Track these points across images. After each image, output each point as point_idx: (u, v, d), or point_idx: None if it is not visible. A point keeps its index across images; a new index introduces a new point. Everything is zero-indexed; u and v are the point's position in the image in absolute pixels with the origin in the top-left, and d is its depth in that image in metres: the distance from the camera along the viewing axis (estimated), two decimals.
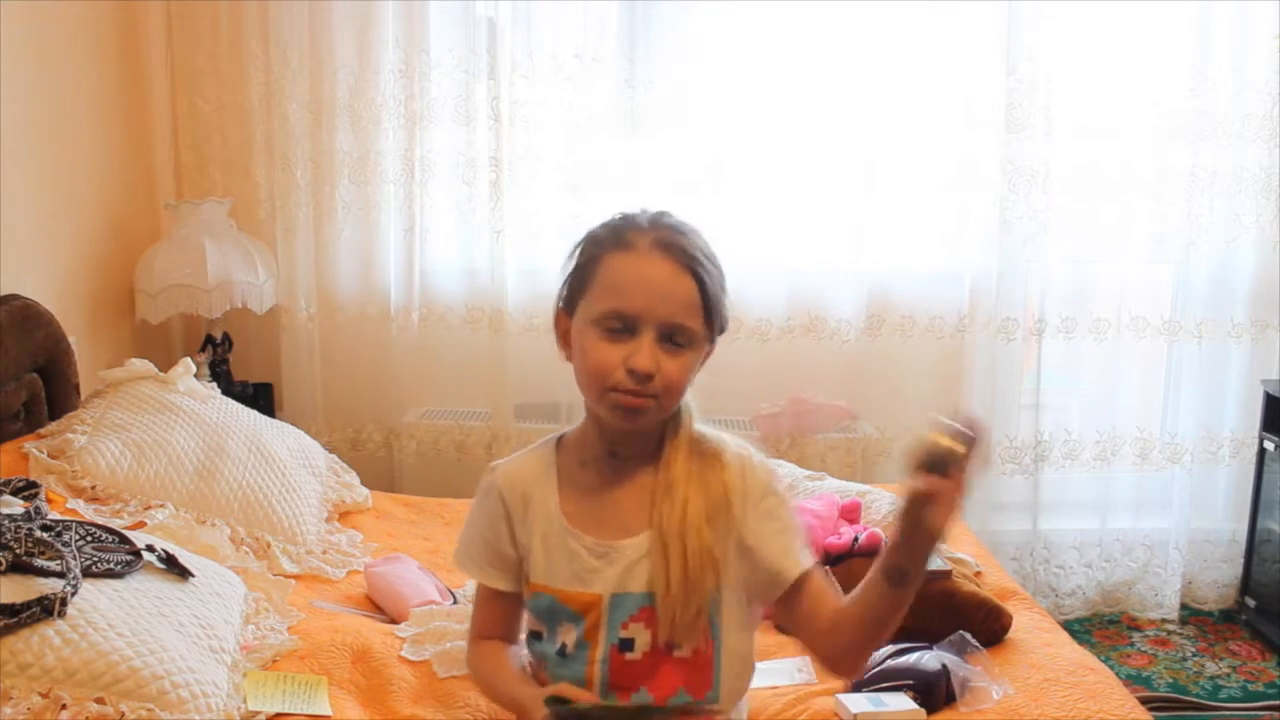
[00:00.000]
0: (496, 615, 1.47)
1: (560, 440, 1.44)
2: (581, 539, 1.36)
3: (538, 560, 1.39)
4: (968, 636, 1.96)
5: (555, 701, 1.28)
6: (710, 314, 1.32)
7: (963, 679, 1.84)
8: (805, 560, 1.37)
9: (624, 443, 1.38)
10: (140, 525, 2.21)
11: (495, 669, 1.45)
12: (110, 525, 2.05)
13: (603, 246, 1.34)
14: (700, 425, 1.40)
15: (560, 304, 1.39)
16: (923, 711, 1.79)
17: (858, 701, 1.79)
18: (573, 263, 1.37)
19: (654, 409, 1.31)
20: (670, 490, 1.34)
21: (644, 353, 1.28)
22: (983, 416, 1.33)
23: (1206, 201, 3.27)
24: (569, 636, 1.36)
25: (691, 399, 1.39)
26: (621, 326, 1.29)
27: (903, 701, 1.80)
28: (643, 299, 1.29)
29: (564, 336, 1.39)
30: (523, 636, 1.47)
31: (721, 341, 1.40)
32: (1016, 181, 3.23)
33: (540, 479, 1.41)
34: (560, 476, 1.40)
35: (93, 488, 2.30)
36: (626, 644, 1.34)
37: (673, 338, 1.30)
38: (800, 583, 1.35)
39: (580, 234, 1.41)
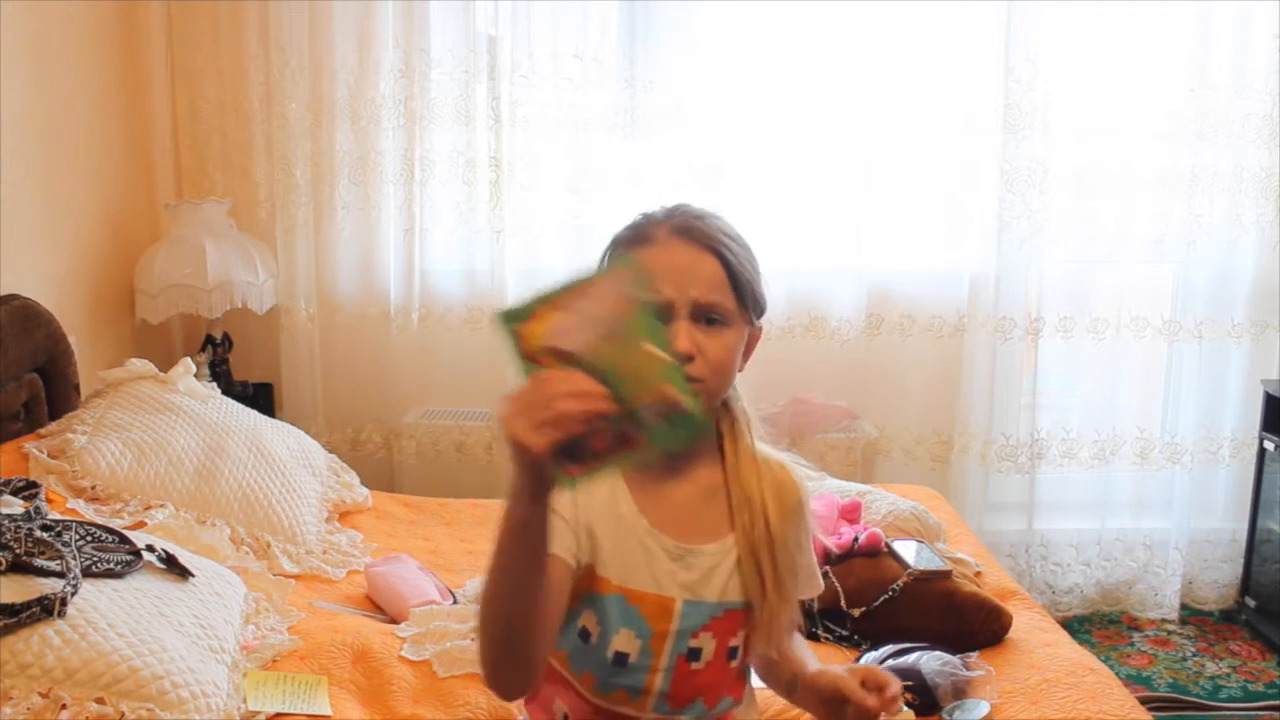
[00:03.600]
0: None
1: None
2: (660, 539, 1.31)
3: (607, 557, 1.31)
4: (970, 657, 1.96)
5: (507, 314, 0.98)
6: (741, 292, 1.31)
7: (955, 686, 1.83)
8: (816, 588, 1.42)
9: None
10: (140, 525, 2.21)
11: None
12: (110, 525, 2.05)
13: (625, 246, 1.34)
14: (758, 440, 1.38)
15: None
16: (911, 713, 1.79)
17: None
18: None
19: (703, 393, 1.28)
20: (749, 502, 1.33)
21: (681, 335, 1.26)
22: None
23: (1206, 201, 3.27)
24: (629, 645, 1.31)
25: (747, 405, 1.38)
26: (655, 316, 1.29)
27: None
28: (670, 285, 1.27)
29: None
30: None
31: None
32: (1015, 181, 3.23)
33: None
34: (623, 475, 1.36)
35: (93, 488, 2.30)
36: (694, 653, 1.32)
37: (707, 317, 1.28)
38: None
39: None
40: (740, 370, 1.35)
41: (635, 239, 1.33)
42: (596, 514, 1.32)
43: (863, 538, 2.21)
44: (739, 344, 1.32)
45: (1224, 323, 3.35)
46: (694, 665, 1.32)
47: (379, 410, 3.47)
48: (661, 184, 3.22)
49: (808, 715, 1.81)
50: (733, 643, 1.33)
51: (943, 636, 2.01)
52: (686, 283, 1.28)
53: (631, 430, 0.98)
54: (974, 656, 1.95)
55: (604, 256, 1.37)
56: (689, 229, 1.31)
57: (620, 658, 1.31)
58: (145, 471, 2.38)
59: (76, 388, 2.72)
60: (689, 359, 1.26)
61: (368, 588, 2.31)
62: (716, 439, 1.36)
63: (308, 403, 3.40)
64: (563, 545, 1.28)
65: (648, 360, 0.97)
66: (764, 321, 1.38)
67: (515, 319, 0.97)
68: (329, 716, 1.79)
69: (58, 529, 1.88)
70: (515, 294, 3.33)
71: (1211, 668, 3.12)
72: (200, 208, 3.13)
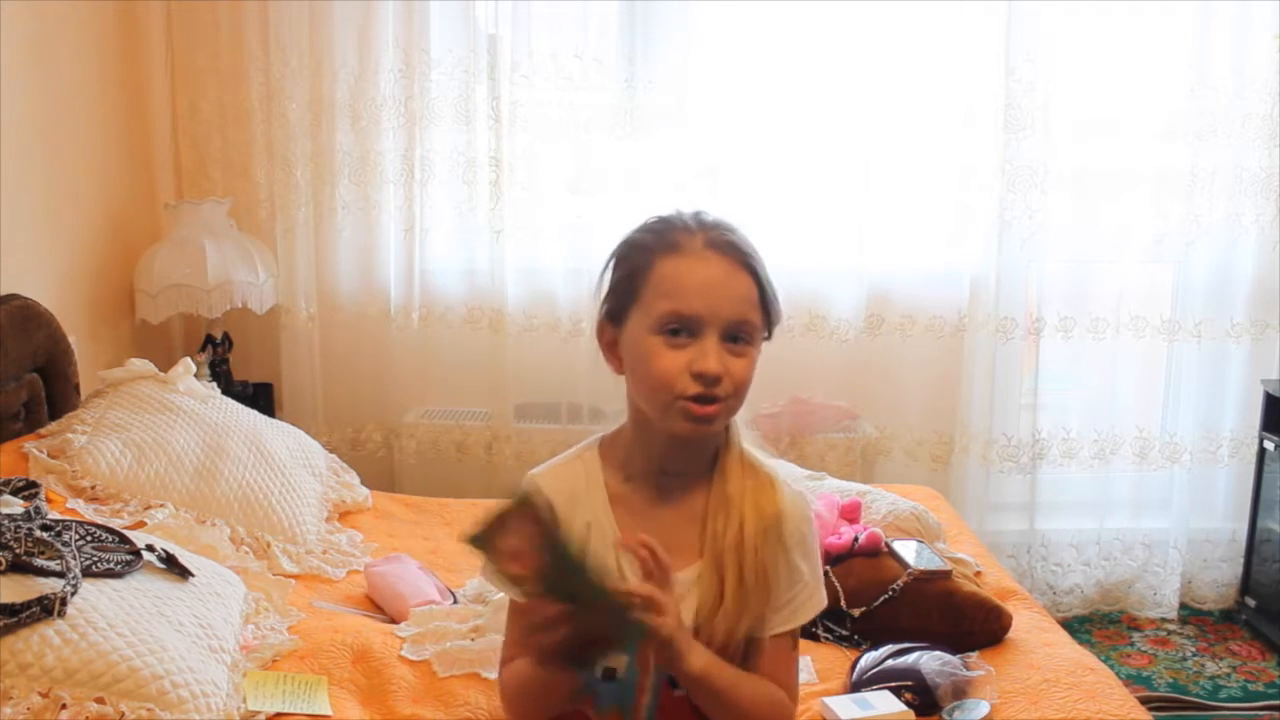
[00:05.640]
0: None
1: (600, 449, 1.38)
2: (635, 564, 1.29)
3: None
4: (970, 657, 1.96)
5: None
6: (768, 309, 1.29)
7: (955, 686, 1.83)
8: (793, 619, 1.35)
9: (677, 460, 1.33)
10: (140, 525, 2.21)
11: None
12: (110, 525, 2.05)
13: (651, 252, 1.29)
14: (749, 445, 1.36)
15: (604, 316, 1.34)
16: (911, 713, 1.79)
17: (845, 705, 1.78)
18: (616, 273, 1.32)
19: (723, 412, 1.27)
20: (725, 506, 1.31)
21: (711, 355, 1.24)
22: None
23: (1206, 201, 3.27)
24: (617, 661, 1.31)
25: (740, 411, 1.35)
26: (682, 330, 1.25)
27: (890, 703, 1.79)
28: (704, 301, 1.25)
29: (610, 349, 1.34)
30: None
31: None
32: (1016, 181, 3.23)
33: (588, 491, 1.34)
34: (609, 492, 1.34)
35: (93, 488, 2.30)
36: (675, 680, 1.30)
37: (736, 336, 1.26)
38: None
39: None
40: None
41: (663, 246, 1.29)
42: (587, 535, 1.31)
43: (863, 538, 2.21)
44: (758, 361, 1.30)
45: (1224, 323, 3.35)
46: (676, 692, 1.31)
47: (379, 410, 3.47)
48: (661, 184, 3.22)
49: (809, 715, 1.82)
50: None
51: (943, 636, 2.01)
52: (720, 300, 1.25)
53: (599, 635, 1.16)
54: (974, 656, 1.95)
55: (618, 260, 1.33)
56: (725, 244, 1.28)
57: (609, 673, 1.31)
58: (145, 471, 2.38)
59: (76, 388, 2.72)
60: (717, 380, 1.24)
61: (368, 588, 2.31)
62: (712, 454, 1.35)
63: (308, 403, 3.40)
64: None
65: (594, 591, 1.13)
66: None
67: (480, 543, 1.13)
68: (329, 716, 1.79)
69: (58, 529, 1.88)
70: (515, 294, 3.34)
71: (1211, 667, 3.12)
72: (200, 208, 3.13)
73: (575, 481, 1.35)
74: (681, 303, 1.25)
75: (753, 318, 1.28)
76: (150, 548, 1.94)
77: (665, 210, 1.34)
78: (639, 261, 1.30)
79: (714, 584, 1.29)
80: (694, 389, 1.24)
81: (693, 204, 1.36)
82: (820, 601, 1.38)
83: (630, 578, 1.30)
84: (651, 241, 1.30)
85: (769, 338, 1.33)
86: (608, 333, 1.34)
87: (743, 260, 1.28)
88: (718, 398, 1.25)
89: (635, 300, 1.29)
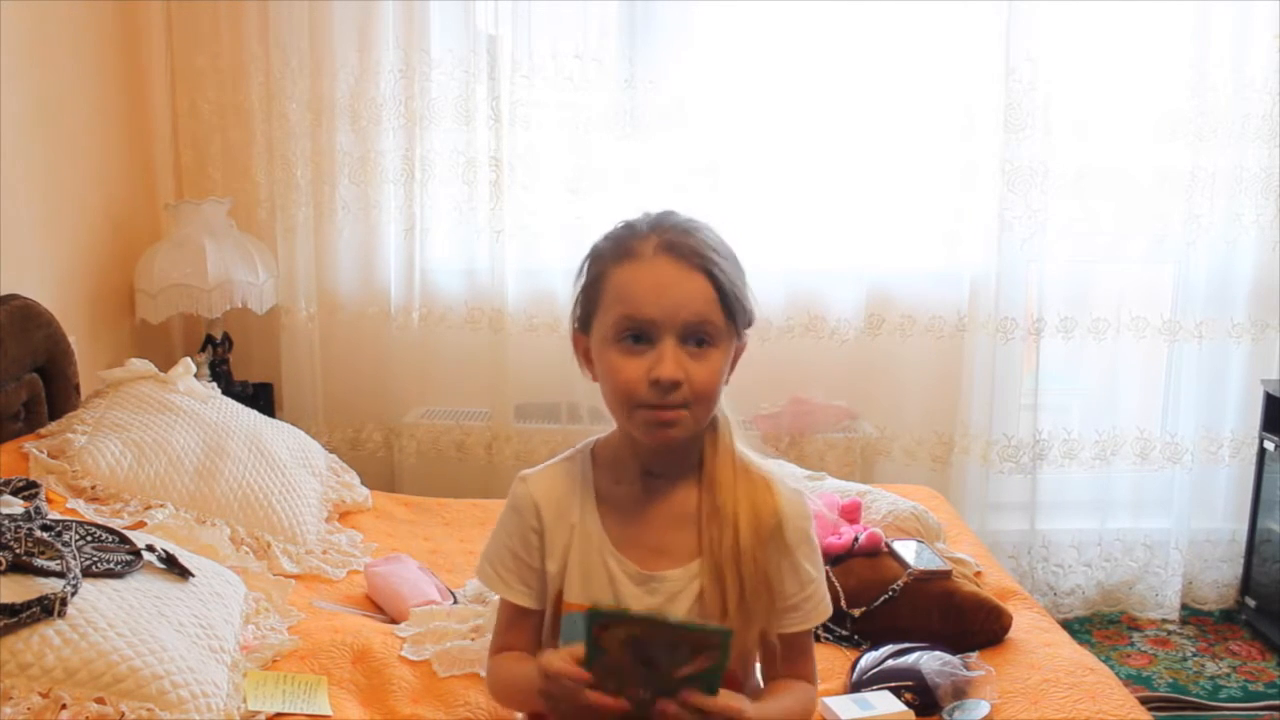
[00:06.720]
0: (524, 635, 1.39)
1: (593, 451, 1.38)
2: (624, 563, 1.32)
3: (574, 580, 1.33)
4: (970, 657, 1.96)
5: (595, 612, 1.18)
6: (730, 308, 1.27)
7: (955, 686, 1.83)
8: (808, 621, 1.37)
9: (659, 461, 1.33)
10: (140, 525, 2.21)
11: (516, 664, 1.37)
12: (110, 525, 2.04)
13: (607, 260, 1.29)
14: (742, 447, 1.35)
15: (575, 324, 1.34)
16: (911, 713, 1.79)
17: (845, 706, 1.78)
18: (581, 280, 1.33)
19: (687, 419, 1.26)
20: (719, 514, 1.30)
21: (667, 361, 1.23)
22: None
23: (1206, 201, 3.27)
24: None
25: (730, 412, 1.35)
26: (638, 335, 1.25)
27: (890, 703, 1.79)
28: (656, 306, 1.24)
29: (584, 357, 1.34)
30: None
31: None
32: (1016, 181, 3.23)
33: (577, 494, 1.35)
34: (597, 494, 1.35)
35: (93, 488, 2.30)
36: None
37: (696, 338, 1.25)
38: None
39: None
40: (726, 383, 1.31)
41: (618, 253, 1.29)
42: (577, 549, 1.33)
43: (863, 538, 2.21)
44: (726, 363, 1.29)
45: (1224, 322, 3.35)
46: None
47: (379, 410, 3.47)
48: (661, 184, 3.22)
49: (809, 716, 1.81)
50: None
51: (943, 636, 2.01)
52: (673, 304, 1.24)
53: None
54: (974, 656, 1.95)
55: (584, 269, 1.34)
56: (675, 246, 1.26)
57: None
58: (145, 471, 2.38)
59: (76, 388, 2.72)
60: (675, 385, 1.23)
61: (368, 588, 2.31)
62: (698, 456, 1.34)
63: (308, 403, 3.40)
64: (533, 596, 1.35)
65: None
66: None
67: (602, 620, 1.14)
68: (329, 716, 1.79)
69: (58, 529, 1.88)
70: (515, 294, 3.34)
71: (1211, 668, 3.12)
72: (200, 208, 3.13)
73: (565, 484, 1.36)
74: (634, 308, 1.25)
75: (712, 317, 1.26)
76: (150, 548, 1.94)
77: (632, 215, 1.33)
78: (598, 270, 1.31)
79: (716, 597, 1.29)
80: (653, 398, 1.24)
81: (667, 205, 1.35)
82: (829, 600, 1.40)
83: (621, 579, 1.31)
84: (608, 249, 1.31)
85: (740, 337, 1.31)
86: (581, 341, 1.34)
87: (697, 262, 1.26)
88: (677, 404, 1.24)
89: (597, 310, 1.30)
